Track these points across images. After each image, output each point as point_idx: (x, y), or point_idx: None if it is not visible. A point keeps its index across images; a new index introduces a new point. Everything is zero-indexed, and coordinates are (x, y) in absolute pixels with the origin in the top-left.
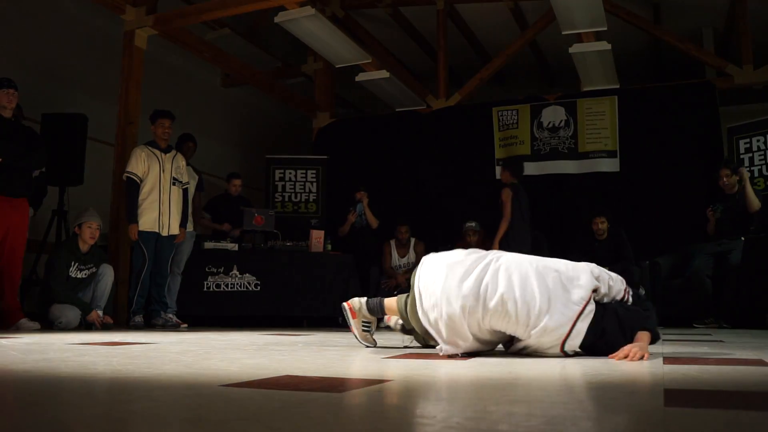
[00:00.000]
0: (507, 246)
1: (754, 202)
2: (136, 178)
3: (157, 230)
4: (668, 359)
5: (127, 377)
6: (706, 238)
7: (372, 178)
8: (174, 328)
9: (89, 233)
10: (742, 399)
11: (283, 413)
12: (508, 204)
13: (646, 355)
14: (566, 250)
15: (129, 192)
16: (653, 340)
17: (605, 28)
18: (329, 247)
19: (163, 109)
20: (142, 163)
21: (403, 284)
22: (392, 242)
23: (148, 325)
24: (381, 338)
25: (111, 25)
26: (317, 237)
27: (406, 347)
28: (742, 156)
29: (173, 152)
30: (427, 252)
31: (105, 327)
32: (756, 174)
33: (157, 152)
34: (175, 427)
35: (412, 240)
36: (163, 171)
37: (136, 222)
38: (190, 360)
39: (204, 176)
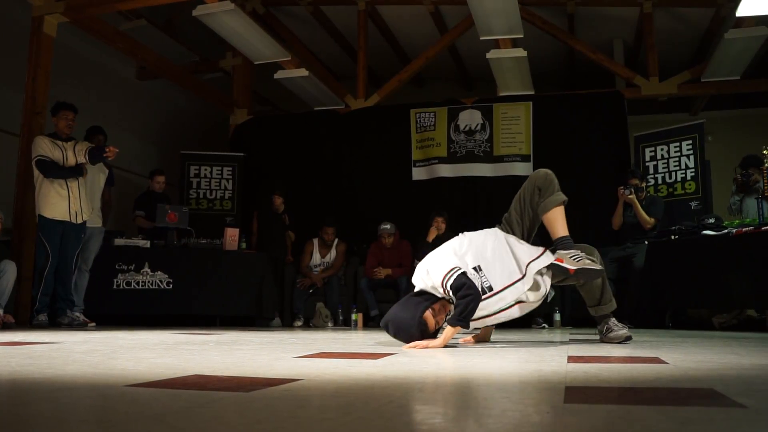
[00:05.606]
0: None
1: (646, 221)
2: (47, 159)
3: (67, 219)
4: (572, 358)
5: (26, 378)
6: (613, 240)
7: (289, 177)
8: (81, 327)
9: None
10: (637, 395)
11: (188, 413)
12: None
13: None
14: None
15: (48, 169)
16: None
17: (522, 36)
18: (244, 245)
19: (65, 102)
20: (49, 150)
21: (318, 283)
22: (315, 241)
23: (54, 324)
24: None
25: (18, 10)
26: (232, 235)
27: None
28: (647, 164)
29: (73, 141)
30: (347, 253)
31: (5, 326)
32: (660, 181)
33: (59, 142)
34: (76, 430)
35: (335, 240)
36: (67, 159)
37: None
38: (95, 360)
39: (115, 171)
